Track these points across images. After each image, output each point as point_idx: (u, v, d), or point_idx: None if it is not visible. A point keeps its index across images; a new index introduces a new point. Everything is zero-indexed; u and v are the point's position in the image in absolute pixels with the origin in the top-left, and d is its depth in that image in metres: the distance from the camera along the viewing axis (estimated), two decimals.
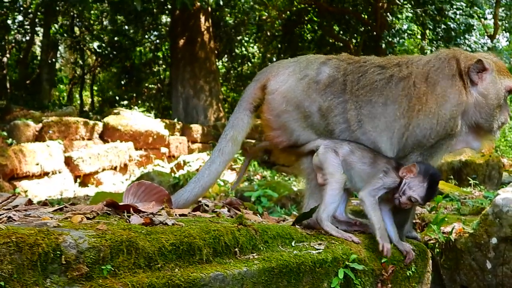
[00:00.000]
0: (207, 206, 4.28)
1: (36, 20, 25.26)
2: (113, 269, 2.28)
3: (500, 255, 5.04)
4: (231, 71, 32.65)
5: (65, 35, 27.51)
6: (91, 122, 17.41)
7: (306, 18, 28.26)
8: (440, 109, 3.88)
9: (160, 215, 3.11)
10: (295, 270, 2.89)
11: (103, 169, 16.12)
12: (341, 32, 27.68)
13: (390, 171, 3.67)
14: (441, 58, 4.09)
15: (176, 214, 3.35)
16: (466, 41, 22.71)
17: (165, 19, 29.64)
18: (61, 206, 3.35)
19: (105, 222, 2.63)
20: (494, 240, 5.05)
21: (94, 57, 29.67)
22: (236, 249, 2.81)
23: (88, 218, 2.79)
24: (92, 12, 27.28)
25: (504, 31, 27.22)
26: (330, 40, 28.36)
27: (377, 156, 3.77)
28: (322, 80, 3.97)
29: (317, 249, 3.15)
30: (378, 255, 3.53)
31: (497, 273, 5.08)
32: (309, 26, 29.22)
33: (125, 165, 16.98)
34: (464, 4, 22.47)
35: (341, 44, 27.25)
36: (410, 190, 3.61)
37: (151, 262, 2.41)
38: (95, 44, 26.80)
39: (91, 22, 28.86)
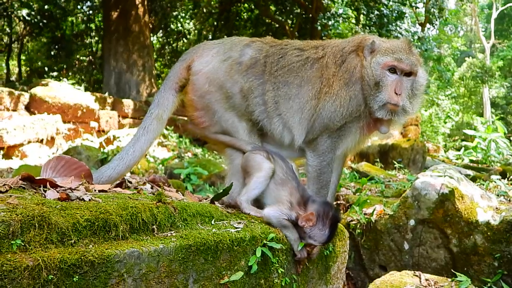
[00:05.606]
0: (130, 182, 4.25)
1: None
2: (23, 244, 2.23)
3: (417, 236, 5.23)
4: (166, 47, 32.23)
5: None
6: (17, 93, 16.87)
7: None
8: (341, 90, 3.96)
9: (78, 190, 3.06)
10: (213, 248, 2.90)
11: (29, 142, 15.55)
12: (277, 12, 27.74)
13: (290, 204, 3.47)
14: (349, 40, 4.21)
15: (95, 190, 3.30)
16: (398, 28, 23.25)
17: None
18: None
19: (17, 196, 2.56)
20: (412, 222, 5.24)
21: (23, 25, 28.55)
22: (154, 226, 2.80)
23: (0, 192, 2.71)
24: None
25: (430, 23, 28.02)
26: (267, 20, 28.41)
27: (285, 180, 3.60)
28: (244, 62, 4.02)
29: (236, 228, 3.17)
30: None
31: (414, 254, 5.28)
32: (245, 5, 29.16)
33: (52, 138, 16.47)
34: None
35: (277, 25, 27.35)
36: (311, 239, 3.39)
37: (64, 238, 2.37)
38: (24, 12, 25.62)
39: None
